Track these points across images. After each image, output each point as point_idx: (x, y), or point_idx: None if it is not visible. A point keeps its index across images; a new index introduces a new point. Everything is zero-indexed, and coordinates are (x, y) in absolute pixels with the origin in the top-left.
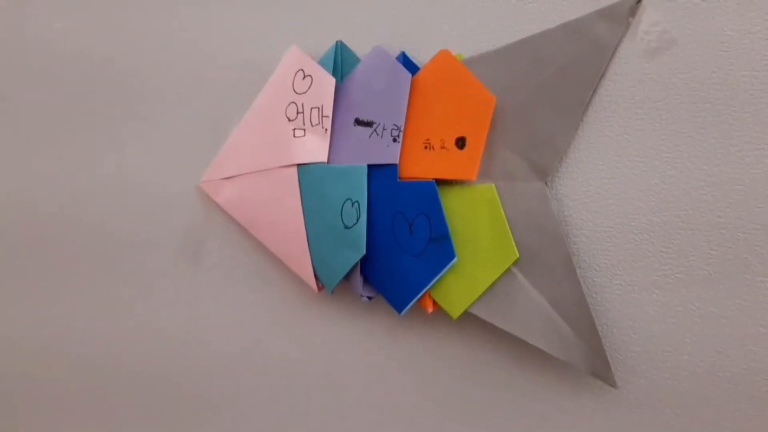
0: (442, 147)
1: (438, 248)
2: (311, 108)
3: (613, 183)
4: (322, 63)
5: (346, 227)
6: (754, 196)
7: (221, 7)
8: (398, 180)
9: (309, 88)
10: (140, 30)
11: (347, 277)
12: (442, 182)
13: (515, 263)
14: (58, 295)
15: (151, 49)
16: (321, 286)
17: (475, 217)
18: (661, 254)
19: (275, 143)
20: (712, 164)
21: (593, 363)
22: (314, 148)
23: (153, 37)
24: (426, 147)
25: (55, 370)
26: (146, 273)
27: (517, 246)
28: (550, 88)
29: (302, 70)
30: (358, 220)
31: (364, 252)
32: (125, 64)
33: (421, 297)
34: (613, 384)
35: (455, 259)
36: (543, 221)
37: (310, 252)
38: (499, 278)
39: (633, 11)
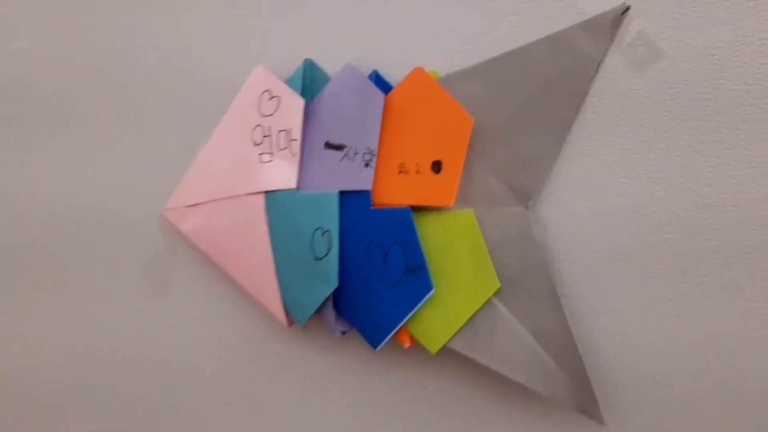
0: (418, 171)
1: (414, 279)
2: (279, 131)
3: (599, 206)
4: (289, 83)
5: (317, 258)
6: (747, 218)
7: (187, 27)
8: (371, 207)
9: (276, 109)
10: (105, 49)
11: (319, 310)
12: (418, 208)
13: (496, 293)
14: (18, 320)
15: (116, 69)
16: (291, 320)
17: (453, 245)
18: (651, 280)
19: (241, 169)
20: (702, 185)
21: (579, 398)
22: (282, 174)
23: (119, 56)
24: (400, 171)
25: (15, 399)
26: (110, 301)
27: (498, 275)
28: (532, 106)
29: (269, 90)
30: (329, 251)
31: (336, 285)
32: (91, 84)
33: (398, 331)
34: (600, 420)
35: (433, 291)
36: (525, 248)
37: (279, 285)
38: (480, 309)
39: (617, 23)
